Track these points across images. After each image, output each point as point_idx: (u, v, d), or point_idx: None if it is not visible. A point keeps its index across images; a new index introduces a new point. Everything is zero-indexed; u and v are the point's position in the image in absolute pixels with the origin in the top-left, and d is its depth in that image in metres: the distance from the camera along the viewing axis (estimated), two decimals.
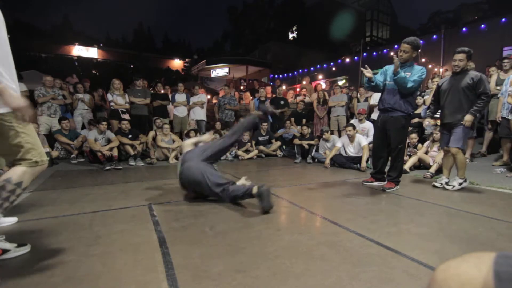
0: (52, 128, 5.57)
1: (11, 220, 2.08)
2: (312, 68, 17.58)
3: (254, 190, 2.37)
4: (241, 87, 12.49)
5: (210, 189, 2.56)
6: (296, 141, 5.81)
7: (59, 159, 5.30)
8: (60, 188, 3.27)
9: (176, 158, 5.39)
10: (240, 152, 6.02)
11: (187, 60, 24.54)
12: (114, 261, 1.51)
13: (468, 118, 3.07)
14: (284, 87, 10.58)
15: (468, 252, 0.48)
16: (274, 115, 7.01)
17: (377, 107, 3.54)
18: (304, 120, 7.06)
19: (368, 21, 34.78)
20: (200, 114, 6.79)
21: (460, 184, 3.20)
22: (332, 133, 6.21)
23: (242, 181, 2.80)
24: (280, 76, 18.85)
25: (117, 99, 5.90)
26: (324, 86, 9.48)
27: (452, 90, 3.21)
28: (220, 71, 16.24)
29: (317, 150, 5.66)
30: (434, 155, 4.38)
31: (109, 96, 5.99)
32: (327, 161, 4.90)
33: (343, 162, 4.83)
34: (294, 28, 32.59)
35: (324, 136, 5.47)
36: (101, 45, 24.27)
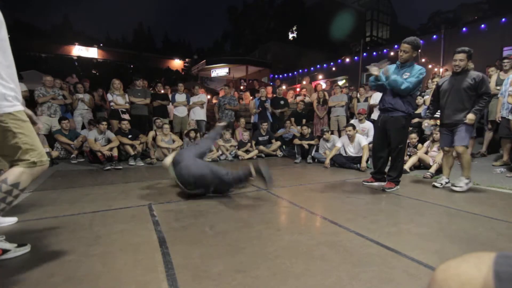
0: (52, 128, 5.57)
1: (11, 220, 2.08)
2: (312, 68, 17.58)
3: (252, 169, 2.64)
4: (241, 87, 12.48)
5: (215, 177, 2.70)
6: (296, 141, 5.81)
7: (59, 159, 5.30)
8: (60, 188, 3.27)
9: None
10: (240, 152, 6.02)
11: (187, 60, 24.56)
12: (114, 261, 1.52)
13: (471, 117, 3.06)
14: (284, 87, 10.58)
15: (468, 252, 0.48)
16: (274, 115, 7.02)
17: (378, 107, 3.54)
18: (304, 120, 7.05)
19: (368, 21, 34.77)
20: (200, 114, 6.79)
21: (467, 184, 3.15)
22: (332, 133, 6.21)
23: None
24: (280, 76, 18.85)
25: (117, 99, 5.90)
26: (324, 86, 9.48)
27: (453, 90, 3.19)
28: (220, 71, 16.24)
29: (317, 150, 5.66)
30: (434, 155, 4.38)
31: (109, 96, 5.99)
32: (327, 161, 4.90)
33: (343, 162, 4.83)
34: (294, 28, 32.59)
35: (324, 136, 5.47)
36: (101, 45, 24.27)
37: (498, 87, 4.63)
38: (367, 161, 4.56)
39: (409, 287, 1.28)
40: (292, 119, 7.12)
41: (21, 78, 7.29)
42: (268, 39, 26.25)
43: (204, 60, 16.43)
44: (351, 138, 4.87)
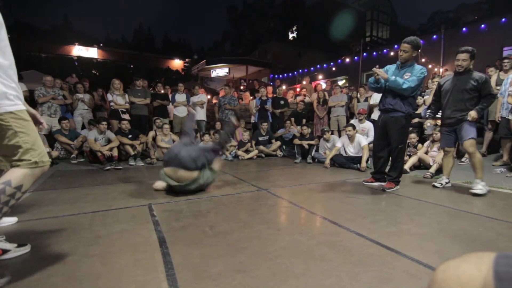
0: (52, 128, 5.57)
1: (11, 220, 2.08)
2: (312, 68, 17.59)
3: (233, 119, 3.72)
4: (241, 87, 12.49)
5: (208, 149, 3.18)
6: (296, 141, 5.81)
7: (59, 159, 5.30)
8: (60, 188, 3.27)
9: None
10: (240, 152, 6.02)
11: (187, 60, 24.60)
12: (114, 261, 1.51)
13: (473, 114, 3.01)
14: (284, 87, 10.58)
15: (468, 252, 0.48)
16: (274, 115, 7.01)
17: (378, 107, 3.53)
18: (304, 120, 7.06)
19: (368, 21, 34.78)
20: (200, 114, 6.79)
21: (484, 186, 2.96)
22: (332, 133, 6.21)
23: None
24: (280, 76, 18.87)
25: (117, 99, 5.90)
26: (324, 86, 9.48)
27: (455, 90, 3.15)
28: (220, 71, 16.25)
29: (317, 150, 5.66)
30: (434, 155, 4.38)
31: (109, 96, 5.99)
32: (327, 161, 4.90)
33: (343, 162, 4.83)
34: (294, 28, 32.60)
35: (324, 136, 5.47)
36: (101, 45, 24.30)
37: (498, 87, 4.63)
38: (367, 161, 4.56)
39: (409, 287, 1.28)
40: (292, 119, 7.12)
41: (21, 78, 7.30)
42: (268, 39, 26.27)
43: (204, 60, 16.45)
44: (351, 138, 4.87)
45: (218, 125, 6.58)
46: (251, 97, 8.31)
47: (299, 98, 8.19)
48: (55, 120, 5.58)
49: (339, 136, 6.22)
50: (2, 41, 1.35)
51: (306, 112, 7.49)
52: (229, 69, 15.89)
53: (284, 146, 6.63)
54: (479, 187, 2.94)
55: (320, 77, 15.36)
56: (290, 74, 19.16)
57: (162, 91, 6.75)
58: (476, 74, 3.04)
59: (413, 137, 4.70)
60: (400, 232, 1.93)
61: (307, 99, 7.97)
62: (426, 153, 4.56)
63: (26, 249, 1.60)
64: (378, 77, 3.17)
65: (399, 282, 1.31)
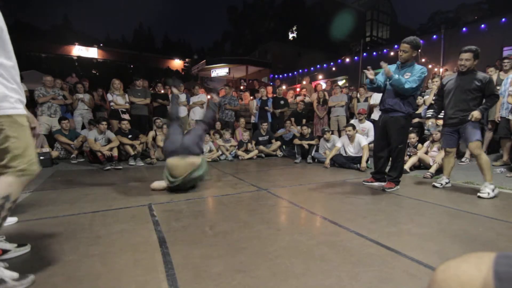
0: (52, 128, 5.57)
1: (11, 220, 2.08)
2: (312, 68, 17.60)
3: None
4: (241, 87, 12.49)
5: (201, 126, 3.46)
6: (296, 141, 5.81)
7: (59, 159, 5.30)
8: (60, 188, 3.27)
9: None
10: (240, 152, 6.02)
11: (187, 60, 24.61)
12: (114, 261, 1.51)
13: (476, 114, 2.96)
14: (284, 87, 10.58)
15: (468, 252, 0.48)
16: (274, 115, 7.01)
17: (379, 107, 3.54)
18: (304, 120, 7.05)
19: (368, 21, 34.79)
20: (200, 114, 6.78)
21: (493, 190, 2.86)
22: (332, 133, 6.21)
23: None
24: (280, 76, 18.88)
25: (117, 99, 5.90)
26: (324, 86, 9.48)
27: (458, 90, 3.10)
28: (220, 71, 16.25)
29: (317, 150, 5.66)
30: (434, 155, 4.38)
31: (109, 96, 5.99)
32: (327, 161, 4.90)
33: (343, 162, 4.83)
34: (294, 28, 32.61)
35: (325, 136, 5.47)
36: (101, 45, 24.31)
37: (498, 87, 4.63)
38: (367, 161, 4.56)
39: (409, 287, 1.28)
40: (292, 119, 7.12)
41: (21, 78, 7.27)
42: (268, 39, 26.29)
43: (204, 60, 16.45)
44: (351, 138, 4.87)
45: (218, 125, 6.58)
46: (251, 97, 8.31)
47: (299, 98, 8.19)
48: (55, 120, 5.58)
49: (339, 136, 6.22)
50: (4, 42, 1.34)
51: (306, 112, 7.49)
52: (229, 69, 15.89)
53: (284, 146, 6.63)
54: (487, 191, 2.84)
55: (320, 77, 15.37)
56: (290, 74, 19.17)
57: (162, 91, 6.75)
58: (480, 74, 2.98)
59: (412, 137, 4.70)
60: (400, 232, 1.93)
61: (307, 99, 7.96)
62: (426, 153, 4.56)
63: (26, 249, 1.60)
64: (372, 77, 3.20)
65: (399, 282, 1.31)
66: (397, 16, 38.92)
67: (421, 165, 4.57)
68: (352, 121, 5.72)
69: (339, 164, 4.87)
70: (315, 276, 1.36)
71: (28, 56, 16.73)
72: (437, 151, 4.36)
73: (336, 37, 28.56)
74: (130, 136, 5.27)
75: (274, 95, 7.60)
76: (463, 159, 4.85)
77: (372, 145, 4.88)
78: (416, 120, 5.45)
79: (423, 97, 5.83)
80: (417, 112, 5.31)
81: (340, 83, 12.91)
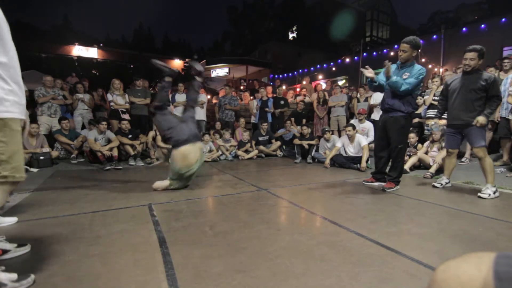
0: (52, 128, 5.57)
1: (11, 220, 2.08)
2: (312, 68, 17.60)
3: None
4: (241, 87, 12.49)
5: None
6: (296, 141, 5.81)
7: (59, 159, 5.30)
8: (60, 188, 3.27)
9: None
10: (240, 152, 6.02)
11: (187, 60, 24.56)
12: (114, 261, 1.51)
13: (481, 119, 2.90)
14: (284, 87, 10.58)
15: (468, 252, 0.48)
16: (274, 115, 7.00)
17: (380, 107, 3.54)
18: (304, 120, 7.05)
19: (368, 21, 34.80)
20: (200, 114, 6.78)
21: (494, 192, 2.87)
22: (332, 133, 6.21)
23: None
24: (280, 76, 18.87)
25: (117, 99, 5.90)
26: (324, 86, 9.48)
27: (462, 90, 3.05)
28: (220, 71, 16.26)
29: (317, 150, 5.66)
30: (434, 155, 4.38)
31: (109, 96, 5.99)
32: (327, 161, 4.90)
33: (343, 162, 4.83)
34: (294, 28, 32.62)
35: (325, 136, 5.47)
36: (101, 45, 24.26)
37: None
38: (367, 161, 4.56)
39: (409, 287, 1.28)
40: (292, 119, 7.12)
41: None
42: (268, 39, 26.29)
43: (204, 60, 16.45)
44: (351, 138, 4.87)
45: (218, 125, 6.58)
46: (251, 97, 8.32)
47: (299, 98, 8.19)
48: (55, 120, 5.58)
49: (339, 136, 6.22)
50: (4, 42, 1.31)
51: (306, 112, 7.49)
52: (229, 69, 15.90)
53: (284, 146, 6.63)
54: (488, 192, 2.85)
55: (320, 77, 15.37)
56: (290, 74, 19.17)
57: None
58: (485, 74, 2.94)
59: (412, 137, 4.70)
60: (400, 232, 1.93)
61: (307, 99, 7.96)
62: (426, 153, 4.56)
63: (26, 249, 1.60)
64: (372, 76, 3.20)
65: (399, 282, 1.31)
66: (397, 16, 38.96)
67: (421, 165, 4.57)
68: (352, 121, 5.72)
69: (339, 164, 4.87)
70: (315, 276, 1.36)
71: (28, 56, 16.70)
72: (437, 151, 4.36)
73: (336, 37, 28.57)
74: (130, 136, 5.27)
75: (274, 95, 7.60)
76: (463, 159, 4.85)
77: (372, 145, 4.89)
78: (416, 120, 5.45)
79: (423, 97, 5.83)
80: (417, 112, 5.31)
81: (340, 83, 12.91)
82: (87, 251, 1.63)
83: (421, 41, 3.19)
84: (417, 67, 3.10)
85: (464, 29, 11.52)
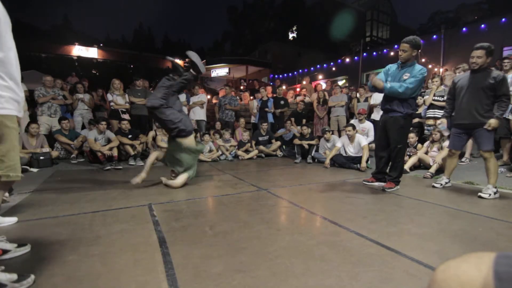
0: (52, 128, 5.57)
1: (11, 220, 2.08)
2: (312, 68, 17.59)
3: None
4: (241, 87, 12.49)
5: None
6: (296, 141, 5.81)
7: (59, 159, 5.30)
8: (60, 188, 3.27)
9: None
10: (240, 152, 6.02)
11: (187, 60, 24.56)
12: (114, 261, 1.51)
13: (493, 123, 2.84)
14: (284, 87, 10.58)
15: (468, 252, 0.48)
16: (274, 115, 7.00)
17: (380, 107, 3.53)
18: (304, 120, 7.06)
19: (368, 21, 34.78)
20: (200, 114, 6.78)
21: (495, 193, 2.86)
22: (332, 133, 6.22)
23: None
24: (280, 76, 18.87)
25: (117, 99, 5.90)
26: (324, 86, 9.48)
27: (470, 88, 2.97)
28: (220, 71, 16.24)
29: (317, 150, 5.66)
30: (434, 155, 4.38)
31: (109, 96, 5.99)
32: (327, 161, 4.90)
33: (343, 162, 4.83)
34: (294, 28, 32.61)
35: (325, 136, 5.47)
36: (101, 45, 24.24)
37: None
38: (367, 161, 4.56)
39: (409, 287, 1.28)
40: (292, 119, 7.12)
41: (21, 78, 7.28)
42: (268, 39, 26.28)
43: (204, 60, 16.42)
44: (351, 138, 4.87)
45: (218, 125, 6.58)
46: (251, 97, 8.32)
47: (299, 98, 8.19)
48: (55, 120, 5.58)
49: (339, 136, 6.22)
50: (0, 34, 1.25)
51: (306, 112, 7.49)
52: (229, 69, 15.88)
53: (284, 146, 6.63)
54: (489, 192, 2.84)
55: (320, 77, 15.36)
56: (290, 74, 19.16)
57: None
58: (494, 72, 2.87)
59: (411, 137, 4.70)
60: (400, 232, 1.93)
61: (307, 99, 7.97)
62: (426, 153, 4.56)
63: (26, 249, 1.60)
64: (381, 87, 3.19)
65: (399, 282, 1.31)
66: (397, 16, 38.93)
67: (421, 165, 4.57)
68: (352, 121, 5.72)
69: (339, 164, 4.87)
70: (315, 276, 1.36)
71: (28, 56, 16.70)
72: (437, 151, 4.36)
73: (336, 37, 28.57)
74: (130, 136, 5.27)
75: (274, 95, 7.60)
76: (463, 159, 4.84)
77: (372, 145, 4.89)
78: (416, 120, 5.45)
79: (423, 97, 5.83)
80: (417, 112, 5.31)
81: (340, 83, 12.91)
82: (87, 251, 1.63)
83: (421, 41, 3.18)
84: (418, 67, 3.08)
85: (464, 29, 11.52)
